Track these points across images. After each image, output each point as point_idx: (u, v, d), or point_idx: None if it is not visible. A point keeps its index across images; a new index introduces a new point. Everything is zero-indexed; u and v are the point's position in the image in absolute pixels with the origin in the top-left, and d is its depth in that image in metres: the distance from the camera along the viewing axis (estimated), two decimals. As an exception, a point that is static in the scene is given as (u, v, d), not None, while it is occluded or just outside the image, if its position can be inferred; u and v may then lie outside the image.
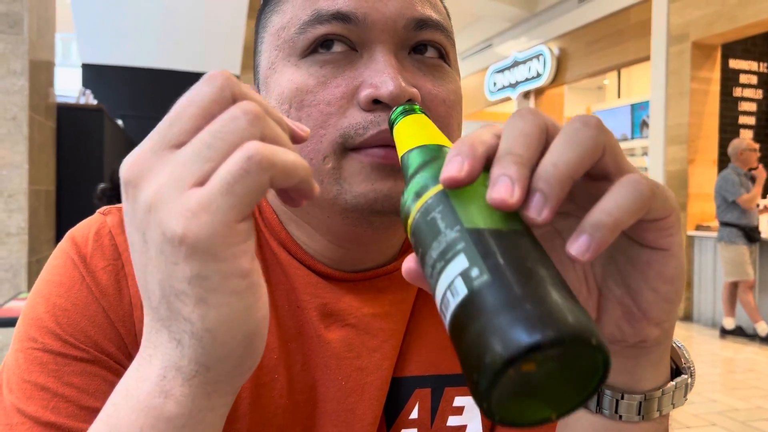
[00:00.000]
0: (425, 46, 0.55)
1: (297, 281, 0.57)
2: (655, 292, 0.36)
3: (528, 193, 0.31)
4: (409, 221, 0.35)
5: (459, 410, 0.60)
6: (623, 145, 8.72)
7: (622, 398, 0.40)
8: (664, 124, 6.58)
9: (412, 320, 0.60)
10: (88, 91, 4.20)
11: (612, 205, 0.31)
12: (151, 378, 0.34)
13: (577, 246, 0.30)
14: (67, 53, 12.62)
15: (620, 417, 0.41)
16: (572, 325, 0.26)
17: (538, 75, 9.04)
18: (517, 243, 0.30)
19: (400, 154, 0.42)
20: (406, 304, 0.60)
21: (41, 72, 3.16)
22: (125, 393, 0.35)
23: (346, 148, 0.51)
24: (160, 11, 5.83)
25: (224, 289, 0.31)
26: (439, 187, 0.33)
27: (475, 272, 0.28)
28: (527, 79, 9.32)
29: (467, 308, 0.28)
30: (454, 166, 0.32)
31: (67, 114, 3.60)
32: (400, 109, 0.46)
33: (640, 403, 0.40)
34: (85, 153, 3.61)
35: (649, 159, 6.91)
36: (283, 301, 0.57)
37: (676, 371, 0.43)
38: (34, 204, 3.03)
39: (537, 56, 9.03)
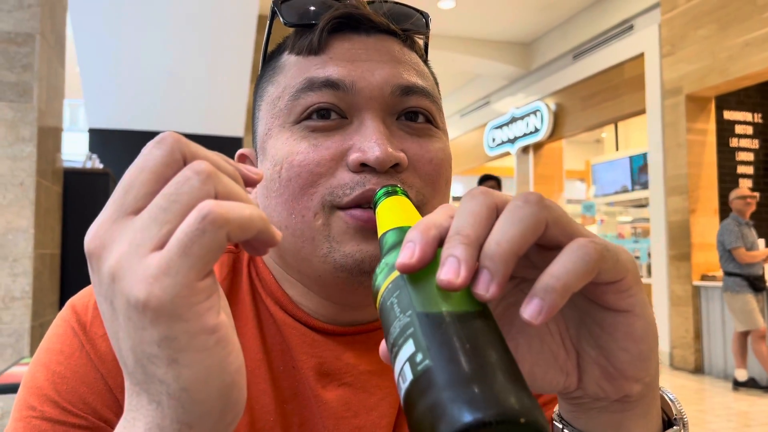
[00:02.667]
0: (413, 112, 0.57)
1: (293, 341, 0.57)
2: (627, 351, 0.37)
3: (477, 271, 0.32)
4: (377, 303, 0.36)
5: None
6: (624, 197, 8.76)
7: None
8: (663, 176, 6.64)
9: None
10: (95, 156, 4.28)
11: (560, 270, 0.32)
12: None
13: (530, 310, 0.31)
14: (75, 119, 12.89)
15: None
16: (500, 406, 0.26)
17: (536, 130, 9.17)
18: (464, 325, 0.31)
19: (379, 234, 0.44)
20: None
21: (49, 138, 3.23)
22: None
23: (334, 206, 0.53)
24: (165, 76, 5.99)
25: (193, 348, 0.31)
26: (397, 273, 0.35)
27: (419, 357, 0.29)
28: (525, 135, 9.46)
29: (412, 393, 0.29)
30: (407, 253, 0.34)
31: (73, 178, 3.65)
32: (383, 190, 0.49)
33: None
34: (90, 216, 3.64)
35: (651, 210, 6.93)
36: (279, 362, 0.57)
37: (668, 423, 0.43)
38: (38, 268, 3.04)
39: (534, 112, 9.19)
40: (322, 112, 0.55)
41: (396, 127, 0.56)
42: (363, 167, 0.53)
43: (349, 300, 0.58)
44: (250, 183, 0.38)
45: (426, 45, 0.66)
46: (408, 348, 0.30)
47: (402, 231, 0.41)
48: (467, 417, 0.26)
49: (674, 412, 0.44)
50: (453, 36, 8.77)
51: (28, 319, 2.92)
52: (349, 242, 0.53)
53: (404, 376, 0.30)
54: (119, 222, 0.33)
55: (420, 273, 0.34)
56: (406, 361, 0.30)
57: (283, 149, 0.55)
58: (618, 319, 0.36)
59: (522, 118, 9.51)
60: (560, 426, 0.43)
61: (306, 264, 0.55)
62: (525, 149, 9.70)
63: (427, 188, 0.56)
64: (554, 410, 0.45)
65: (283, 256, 0.58)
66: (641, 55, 7.07)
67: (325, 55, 0.57)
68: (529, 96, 9.41)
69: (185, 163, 0.34)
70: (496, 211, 0.35)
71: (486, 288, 0.32)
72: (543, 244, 0.35)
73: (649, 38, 6.90)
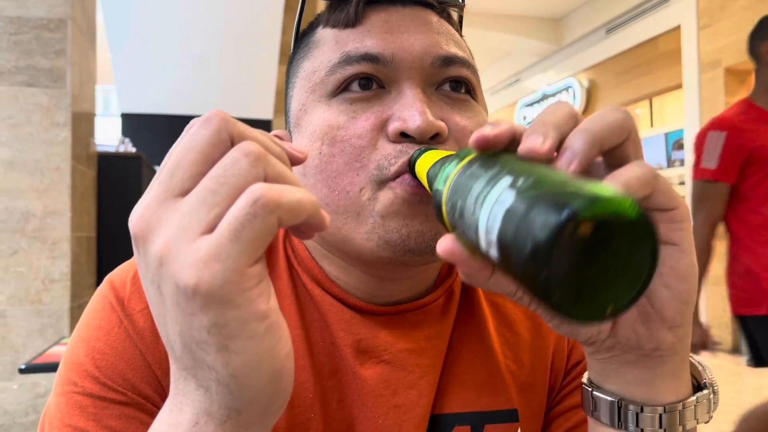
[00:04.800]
0: (454, 81, 0.56)
1: (331, 318, 0.57)
2: (669, 289, 0.37)
3: (559, 151, 0.33)
4: (444, 193, 0.36)
5: None
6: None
7: (642, 411, 0.40)
8: (700, 152, 6.46)
9: (449, 357, 0.60)
10: (127, 140, 4.32)
11: (624, 174, 0.33)
12: (183, 424, 0.34)
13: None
14: (108, 104, 13.11)
15: (642, 431, 0.41)
16: (619, 196, 0.26)
17: (568, 107, 9.01)
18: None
19: (426, 173, 0.45)
20: (441, 340, 0.59)
21: (83, 123, 3.28)
22: None
23: (381, 179, 0.52)
24: (195, 60, 6.03)
25: (244, 334, 0.31)
26: (473, 154, 0.36)
27: (521, 181, 0.29)
28: (557, 112, 9.30)
29: (518, 206, 0.28)
30: (483, 131, 0.35)
31: (107, 162, 3.71)
32: (417, 151, 0.49)
33: (661, 416, 0.40)
34: (124, 199, 3.71)
35: (687, 188, 6.77)
36: (318, 338, 0.57)
37: (698, 387, 0.44)
38: (76, 250, 3.11)
39: (566, 89, 9.03)
40: (363, 82, 0.54)
41: (436, 97, 0.55)
42: (403, 137, 0.51)
43: (391, 275, 0.57)
44: (295, 162, 0.37)
45: (461, 18, 0.65)
46: (504, 181, 0.30)
47: (447, 156, 0.41)
48: (595, 198, 0.25)
49: (704, 377, 0.44)
50: (481, 12, 8.63)
51: (67, 301, 2.99)
52: (395, 216, 0.51)
53: (503, 200, 0.29)
54: (165, 204, 0.32)
55: (496, 153, 0.34)
56: (504, 189, 0.29)
57: (322, 124, 0.54)
58: (666, 253, 0.37)
59: (554, 95, 9.35)
60: (589, 389, 0.43)
61: (346, 242, 0.54)
62: (556, 127, 9.54)
63: None
64: (583, 376, 0.45)
65: (322, 233, 0.57)
66: (677, 28, 6.85)
67: (363, 27, 0.55)
68: (561, 73, 9.24)
69: (233, 143, 0.33)
70: (576, 119, 0.35)
71: (568, 164, 0.32)
72: (615, 159, 0.36)
73: (686, 10, 6.68)
